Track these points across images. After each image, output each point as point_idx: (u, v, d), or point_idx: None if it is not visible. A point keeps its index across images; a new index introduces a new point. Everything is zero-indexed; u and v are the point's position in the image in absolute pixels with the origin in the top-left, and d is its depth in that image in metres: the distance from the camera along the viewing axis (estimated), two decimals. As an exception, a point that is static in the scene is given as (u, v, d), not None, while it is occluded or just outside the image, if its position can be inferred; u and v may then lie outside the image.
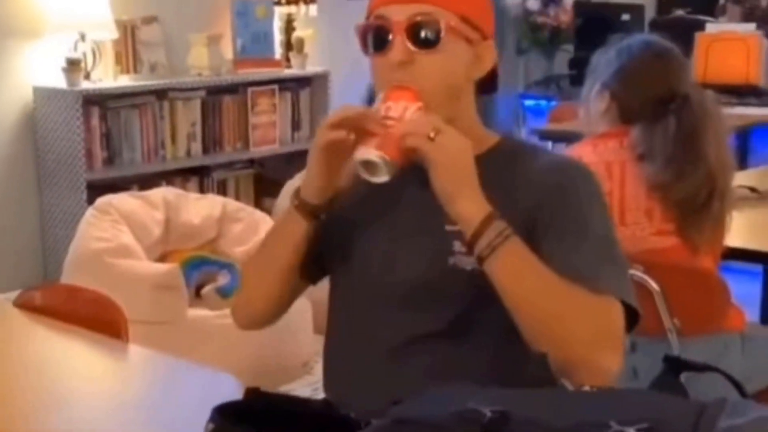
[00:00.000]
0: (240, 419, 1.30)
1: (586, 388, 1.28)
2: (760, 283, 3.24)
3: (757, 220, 2.95)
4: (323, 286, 1.73)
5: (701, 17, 5.92)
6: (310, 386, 3.33)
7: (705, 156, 2.41)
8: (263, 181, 5.08)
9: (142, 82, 4.62)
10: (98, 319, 2.11)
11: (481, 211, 1.45)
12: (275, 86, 5.08)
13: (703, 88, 2.60)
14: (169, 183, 4.51)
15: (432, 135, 1.44)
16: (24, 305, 2.23)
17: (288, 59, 5.22)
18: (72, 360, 2.06)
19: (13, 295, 2.30)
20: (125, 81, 4.61)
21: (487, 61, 1.60)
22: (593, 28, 5.92)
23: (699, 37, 5.17)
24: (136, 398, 1.85)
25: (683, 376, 1.83)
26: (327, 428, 1.36)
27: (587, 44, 4.39)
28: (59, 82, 4.36)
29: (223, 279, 3.62)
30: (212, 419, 1.31)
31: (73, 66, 4.34)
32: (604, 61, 2.56)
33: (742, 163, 4.37)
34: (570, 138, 3.27)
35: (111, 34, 4.45)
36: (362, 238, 1.64)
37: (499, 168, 1.59)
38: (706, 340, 2.42)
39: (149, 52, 4.72)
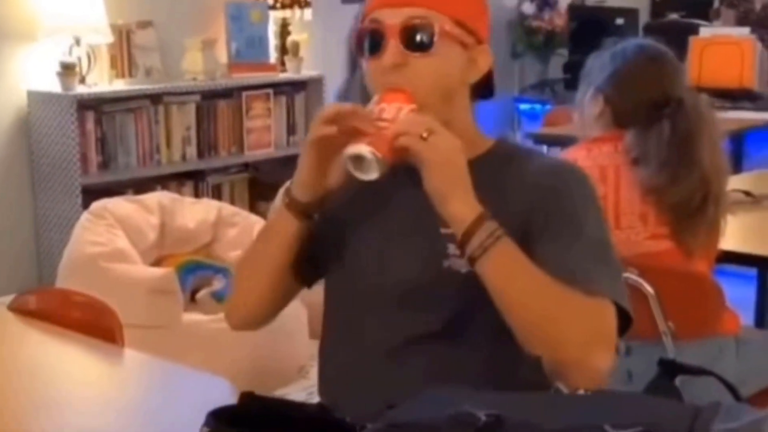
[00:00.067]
0: (235, 424, 1.30)
1: (581, 391, 1.29)
2: (755, 286, 3.25)
3: (752, 223, 2.96)
4: (318, 290, 1.73)
5: (695, 21, 5.93)
6: (305, 390, 3.33)
7: (699, 160, 2.41)
8: (258, 185, 5.08)
9: (137, 87, 4.62)
10: (93, 323, 2.11)
11: (472, 211, 1.45)
12: (270, 90, 5.08)
13: (697, 92, 2.60)
14: (164, 187, 4.50)
15: (425, 135, 1.44)
16: (18, 309, 2.22)
17: (283, 63, 5.22)
18: (66, 364, 2.06)
19: (8, 299, 2.30)
20: (120, 85, 4.61)
21: (481, 65, 1.61)
22: (588, 32, 5.93)
23: (693, 41, 5.18)
24: (131, 403, 1.85)
25: (678, 380, 1.84)
26: (322, 432, 1.35)
27: (582, 48, 4.40)
28: (54, 86, 4.36)
29: (218, 283, 3.61)
30: (207, 423, 1.30)
31: (67, 70, 4.33)
32: (599, 65, 2.56)
33: (737, 167, 4.37)
34: (564, 142, 3.27)
35: (106, 38, 4.44)
36: (357, 240, 1.64)
37: (494, 171, 1.59)
38: (701, 344, 2.42)
39: (144, 56, 4.72)
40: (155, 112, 4.67)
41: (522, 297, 1.46)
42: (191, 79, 4.79)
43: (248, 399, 1.33)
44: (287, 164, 4.85)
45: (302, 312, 3.48)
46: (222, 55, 4.99)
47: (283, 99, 5.17)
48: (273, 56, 5.21)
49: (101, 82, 4.55)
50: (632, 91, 2.49)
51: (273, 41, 5.21)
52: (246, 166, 5.08)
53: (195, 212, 3.80)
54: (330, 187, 1.57)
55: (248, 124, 4.99)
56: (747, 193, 3.13)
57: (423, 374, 1.56)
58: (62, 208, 4.35)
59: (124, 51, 4.64)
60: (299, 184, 1.58)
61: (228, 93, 4.94)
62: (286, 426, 1.31)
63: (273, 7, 5.19)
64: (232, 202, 4.76)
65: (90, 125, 4.43)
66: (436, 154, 1.45)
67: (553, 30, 6.41)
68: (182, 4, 4.89)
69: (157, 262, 3.66)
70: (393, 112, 1.49)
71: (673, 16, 6.60)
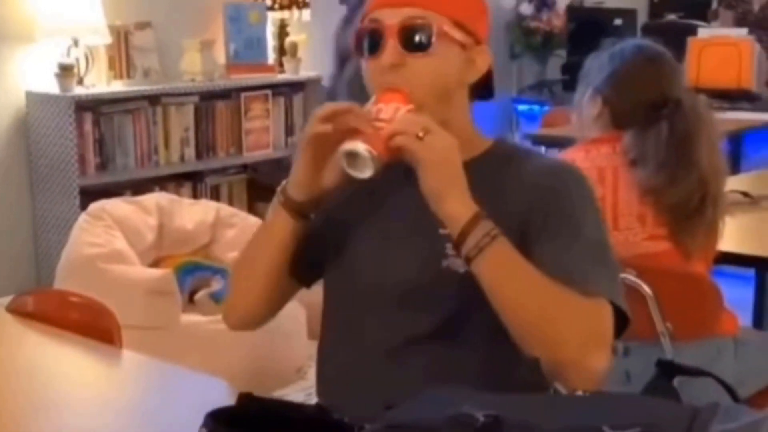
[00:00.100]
0: (233, 425, 1.29)
1: (579, 392, 1.29)
2: (753, 287, 3.25)
3: (750, 224, 2.96)
4: (317, 291, 1.73)
5: (694, 22, 5.94)
6: (303, 391, 3.33)
7: (697, 161, 2.41)
8: (256, 186, 5.08)
9: (135, 88, 4.62)
10: (91, 324, 2.11)
11: (468, 211, 1.45)
12: (268, 91, 5.08)
13: (695, 92, 2.60)
14: (163, 188, 4.50)
15: (421, 134, 1.44)
16: (16, 311, 2.22)
17: (281, 64, 5.22)
18: (64, 365, 2.06)
19: (6, 300, 2.30)
20: (118, 86, 4.61)
21: (480, 66, 1.61)
22: (586, 33, 5.94)
23: (691, 42, 5.19)
24: (130, 404, 1.85)
25: (676, 381, 1.83)
26: (320, 433, 1.35)
27: (580, 49, 4.40)
28: (52, 87, 4.36)
29: (216, 284, 3.61)
30: (205, 424, 1.30)
31: (65, 71, 4.33)
32: (597, 65, 2.56)
33: (735, 168, 4.38)
34: (563, 143, 3.27)
35: (104, 39, 4.44)
36: (355, 240, 1.65)
37: (493, 171, 1.59)
38: (699, 345, 2.42)
39: (142, 57, 4.72)
40: (153, 113, 4.67)
41: (517, 297, 1.46)
42: (189, 80, 4.79)
43: (246, 400, 1.33)
44: (285, 165, 4.86)
45: (301, 312, 3.48)
46: (220, 56, 4.99)
47: (282, 100, 5.17)
48: (271, 57, 5.21)
49: (99, 83, 4.55)
50: (630, 92, 2.49)
51: (271, 42, 5.22)
52: (244, 167, 5.08)
53: (193, 213, 3.80)
54: (325, 186, 1.57)
55: (246, 125, 4.99)
56: (745, 194, 3.13)
57: (422, 374, 1.56)
58: (60, 209, 4.35)
59: (122, 52, 4.65)
60: (294, 183, 1.59)
61: (226, 94, 4.94)
62: (285, 427, 1.31)
63: (271, 8, 5.20)
64: (231, 203, 4.76)
65: (88, 126, 4.43)
66: (432, 153, 1.45)
67: (551, 31, 6.41)
68: (180, 6, 4.89)
69: (155, 263, 3.66)
70: (390, 112, 1.49)
71: (672, 16, 6.61)
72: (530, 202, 1.55)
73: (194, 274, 3.64)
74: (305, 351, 3.49)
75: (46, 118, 4.36)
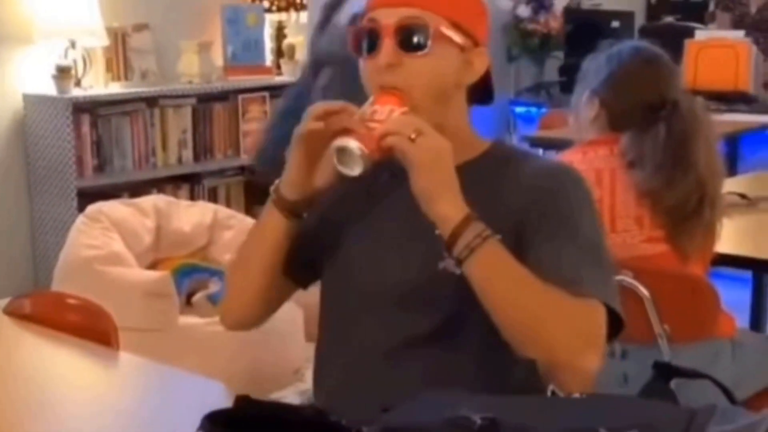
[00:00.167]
0: (230, 427, 1.29)
1: (576, 394, 1.29)
2: (750, 289, 3.25)
3: (747, 226, 2.96)
4: (315, 292, 1.73)
5: (691, 24, 5.95)
6: (300, 394, 3.33)
7: (695, 163, 2.41)
8: (254, 188, 5.07)
9: (132, 90, 4.62)
10: (88, 326, 2.10)
11: (459, 212, 1.46)
12: (266, 93, 5.08)
13: (692, 94, 2.60)
14: (160, 190, 4.50)
15: (413, 136, 1.45)
16: (13, 313, 2.22)
17: (279, 66, 5.22)
18: (61, 368, 2.06)
19: (3, 302, 2.29)
20: (116, 88, 4.61)
21: (477, 67, 1.61)
22: (583, 35, 5.94)
23: (688, 44, 5.19)
24: (126, 406, 1.85)
25: (673, 383, 1.83)
26: (317, 435, 1.35)
27: (577, 51, 4.40)
28: (49, 89, 4.36)
29: (214, 286, 3.61)
30: (202, 427, 1.30)
31: (63, 73, 4.33)
32: (594, 67, 2.56)
33: (732, 170, 4.38)
34: (560, 145, 3.27)
35: (101, 41, 4.44)
36: (351, 241, 1.65)
37: (490, 173, 1.59)
38: (697, 347, 2.42)
39: (140, 59, 4.72)
40: (151, 115, 4.67)
41: (508, 297, 1.46)
42: (187, 82, 4.79)
43: (243, 402, 1.33)
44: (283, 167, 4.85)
45: (298, 314, 3.47)
46: (218, 58, 4.99)
47: (279, 102, 5.17)
48: (269, 59, 5.21)
49: (97, 85, 4.54)
50: (628, 94, 2.49)
51: (269, 44, 5.22)
52: (242, 169, 5.07)
53: (191, 215, 3.80)
54: (318, 186, 1.58)
55: (244, 127, 4.99)
56: (742, 196, 3.13)
57: (419, 376, 1.56)
58: (58, 211, 4.35)
59: (119, 54, 4.64)
60: (287, 182, 1.59)
61: (224, 96, 4.94)
62: (282, 429, 1.31)
63: (269, 10, 5.20)
64: (228, 205, 4.75)
65: (86, 128, 4.43)
66: (424, 155, 1.45)
67: (548, 33, 6.41)
68: (178, 7, 4.89)
69: (152, 266, 3.65)
70: (385, 114, 1.50)
71: (669, 19, 6.61)
72: (527, 203, 1.55)
73: (192, 276, 3.64)
74: (302, 353, 3.48)
75: (44, 120, 4.36)
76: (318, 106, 1.54)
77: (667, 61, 2.55)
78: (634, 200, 2.45)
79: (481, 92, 1.65)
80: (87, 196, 4.16)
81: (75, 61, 4.40)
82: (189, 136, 4.81)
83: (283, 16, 5.25)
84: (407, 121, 1.47)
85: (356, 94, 1.56)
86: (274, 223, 1.61)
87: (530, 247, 1.51)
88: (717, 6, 6.35)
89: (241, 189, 5.07)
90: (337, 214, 1.66)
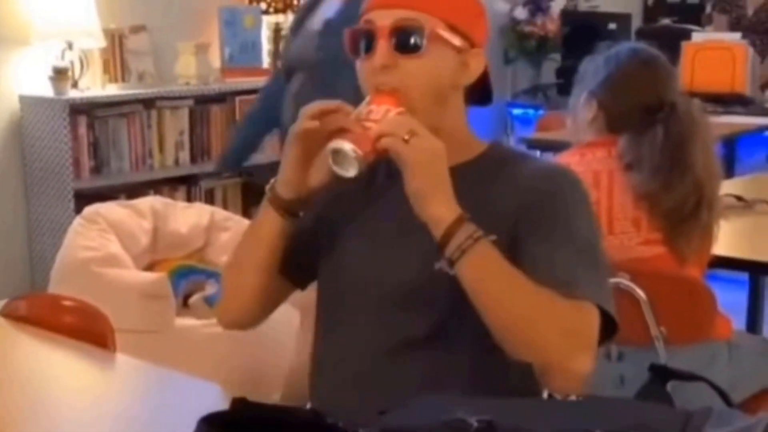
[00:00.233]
0: (227, 429, 1.29)
1: (572, 397, 1.29)
2: (747, 291, 3.25)
3: (744, 228, 2.96)
4: (311, 294, 1.73)
5: (688, 26, 5.95)
6: (297, 396, 3.32)
7: (692, 165, 2.41)
8: (251, 190, 5.07)
9: (129, 91, 4.61)
10: (84, 328, 2.10)
11: (451, 213, 1.46)
12: (263, 95, 5.08)
13: (689, 96, 2.60)
14: (157, 192, 4.50)
15: (407, 137, 1.45)
16: (9, 315, 2.22)
17: (276, 68, 5.22)
18: (58, 370, 2.05)
19: (0, 304, 2.29)
20: (113, 90, 4.60)
21: (474, 69, 1.61)
22: (580, 37, 5.94)
23: (685, 46, 5.19)
24: (123, 408, 1.85)
25: (670, 385, 1.84)
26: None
27: (574, 53, 4.41)
28: (46, 90, 4.35)
29: (210, 288, 3.61)
30: (199, 429, 1.30)
31: (60, 75, 4.33)
32: (592, 69, 2.57)
33: (729, 172, 4.37)
34: (558, 147, 3.27)
35: (98, 42, 4.44)
36: (348, 242, 1.65)
37: (487, 174, 1.60)
38: (693, 349, 2.42)
39: (137, 60, 4.71)
40: (148, 117, 4.66)
41: (499, 299, 1.46)
42: (184, 84, 4.79)
43: (240, 404, 1.33)
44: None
45: (294, 316, 3.47)
46: (215, 60, 4.99)
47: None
48: (266, 61, 5.21)
49: (94, 86, 4.54)
50: (626, 96, 2.49)
51: (266, 46, 5.22)
52: (239, 171, 5.07)
53: (188, 217, 3.79)
54: (313, 185, 1.58)
55: (241, 129, 4.98)
56: (739, 198, 3.13)
57: (416, 377, 1.56)
58: (55, 212, 4.35)
59: (116, 55, 4.64)
60: (282, 181, 1.59)
61: (221, 98, 4.94)
62: (278, 431, 1.31)
63: (266, 12, 5.20)
64: (225, 206, 4.75)
65: (82, 130, 4.42)
66: (417, 156, 1.45)
67: (545, 35, 6.41)
68: (175, 9, 4.88)
69: (149, 267, 3.65)
70: (380, 114, 1.50)
71: (666, 21, 6.62)
72: (524, 205, 1.55)
73: (188, 277, 3.63)
74: (299, 355, 3.48)
75: (41, 121, 4.36)
76: (313, 105, 1.54)
77: (665, 62, 2.55)
78: (631, 202, 2.45)
79: (479, 93, 1.65)
80: (84, 198, 4.16)
81: (72, 63, 4.40)
82: (186, 137, 4.81)
83: (280, 17, 5.25)
84: (401, 122, 1.48)
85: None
86: (269, 221, 1.61)
87: (526, 247, 1.52)
88: (714, 8, 6.35)
89: (238, 191, 5.07)
90: (333, 213, 1.66)
